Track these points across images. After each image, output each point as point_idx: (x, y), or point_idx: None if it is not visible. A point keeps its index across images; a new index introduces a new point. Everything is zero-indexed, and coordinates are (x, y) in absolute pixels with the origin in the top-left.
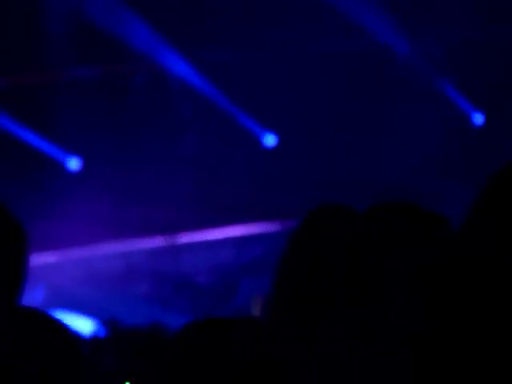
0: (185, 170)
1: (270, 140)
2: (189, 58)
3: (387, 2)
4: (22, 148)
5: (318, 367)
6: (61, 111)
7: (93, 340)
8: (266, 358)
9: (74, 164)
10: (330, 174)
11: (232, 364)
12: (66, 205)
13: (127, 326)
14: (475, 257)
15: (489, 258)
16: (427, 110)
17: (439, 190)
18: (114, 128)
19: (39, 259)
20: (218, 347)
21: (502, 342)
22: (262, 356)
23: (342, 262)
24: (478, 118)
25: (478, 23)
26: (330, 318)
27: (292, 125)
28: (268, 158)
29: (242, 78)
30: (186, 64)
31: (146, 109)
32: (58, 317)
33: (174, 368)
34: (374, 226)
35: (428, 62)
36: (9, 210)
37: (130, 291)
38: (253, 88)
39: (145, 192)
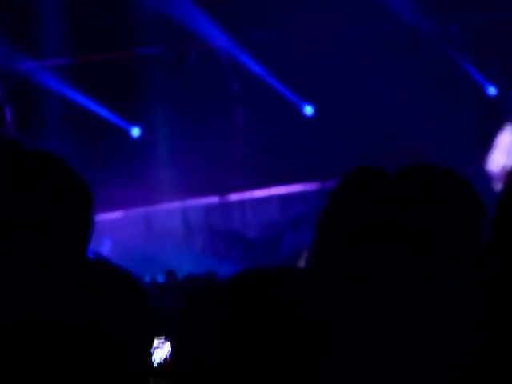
0: (235, 137)
1: (308, 110)
2: (236, 38)
3: None
4: (92, 120)
5: (367, 326)
6: (128, 87)
7: (153, 286)
8: (311, 313)
9: (137, 133)
10: (361, 140)
11: (278, 313)
12: (131, 169)
13: (183, 276)
14: None
15: None
16: (449, 85)
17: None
18: (173, 102)
19: (106, 215)
20: (265, 298)
21: None
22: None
23: (381, 215)
24: (492, 90)
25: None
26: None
27: (327, 97)
28: (307, 127)
29: (283, 55)
30: (234, 44)
31: (200, 84)
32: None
33: (225, 313)
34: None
35: (449, 41)
36: (79, 174)
37: (186, 245)
38: (292, 64)
39: (200, 157)
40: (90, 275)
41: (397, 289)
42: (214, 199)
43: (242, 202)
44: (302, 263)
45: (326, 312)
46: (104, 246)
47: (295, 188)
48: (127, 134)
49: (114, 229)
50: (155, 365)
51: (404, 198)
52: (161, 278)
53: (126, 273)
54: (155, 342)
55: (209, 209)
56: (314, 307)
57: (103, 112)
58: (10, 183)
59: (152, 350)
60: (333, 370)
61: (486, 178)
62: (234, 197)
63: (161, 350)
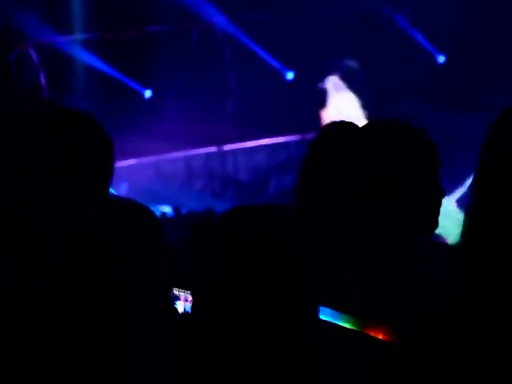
0: (229, 98)
1: (289, 75)
2: (230, 17)
3: None
4: (112, 85)
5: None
6: (142, 57)
7: (162, 219)
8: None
9: (148, 94)
10: None
11: (269, 246)
12: (144, 125)
13: (187, 211)
14: None
15: None
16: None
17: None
18: (178, 69)
19: (123, 163)
20: (253, 228)
21: None
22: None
23: (349, 162)
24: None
25: None
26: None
27: (305, 64)
28: (289, 89)
29: (269, 31)
30: (228, 21)
31: (200, 54)
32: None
33: (219, 240)
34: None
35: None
36: (102, 127)
37: (189, 187)
38: (277, 38)
39: (200, 114)
40: (115, 208)
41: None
42: (212, 149)
43: (235, 151)
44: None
45: (304, 247)
46: (121, 188)
47: (280, 139)
48: (140, 95)
49: (130, 174)
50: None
51: (369, 147)
52: (169, 213)
53: (144, 206)
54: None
55: (208, 157)
56: (292, 240)
57: (121, 78)
58: (53, 135)
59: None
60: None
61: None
62: (229, 147)
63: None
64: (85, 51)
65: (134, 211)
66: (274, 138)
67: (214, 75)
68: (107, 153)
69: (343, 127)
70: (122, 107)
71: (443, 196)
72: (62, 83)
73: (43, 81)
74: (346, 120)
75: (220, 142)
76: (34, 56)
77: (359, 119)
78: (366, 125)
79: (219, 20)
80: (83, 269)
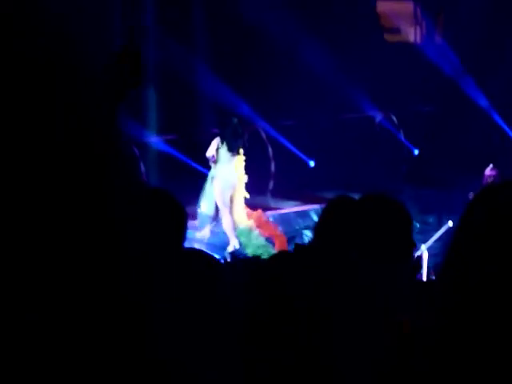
0: (271, 179)
1: (311, 163)
2: (272, 124)
3: None
4: (181, 167)
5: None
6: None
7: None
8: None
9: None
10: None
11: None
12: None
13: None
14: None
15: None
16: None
17: None
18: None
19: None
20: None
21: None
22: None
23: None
24: (416, 151)
25: None
26: None
27: (324, 154)
28: (310, 173)
29: (298, 133)
30: (270, 127)
31: (250, 151)
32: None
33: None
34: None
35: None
36: (174, 197)
37: None
38: (304, 137)
39: (252, 190)
40: (187, 256)
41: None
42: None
43: (273, 215)
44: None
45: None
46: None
47: (304, 207)
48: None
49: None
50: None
51: (363, 215)
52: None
53: (208, 254)
54: None
55: None
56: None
57: (187, 161)
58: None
59: None
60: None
61: None
62: (269, 213)
63: None
64: (169, 147)
65: (200, 259)
66: (301, 207)
67: (260, 164)
68: (181, 216)
69: (345, 200)
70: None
71: (415, 247)
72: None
73: (143, 169)
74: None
75: (264, 210)
76: (136, 150)
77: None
78: (361, 198)
79: (263, 125)
80: None
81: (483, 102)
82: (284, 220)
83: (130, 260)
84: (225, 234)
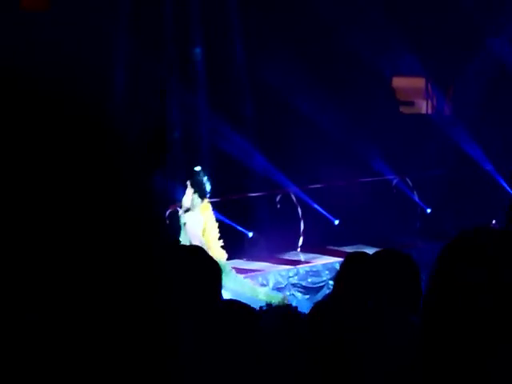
0: (300, 236)
1: (336, 222)
2: (301, 187)
3: None
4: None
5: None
6: (248, 212)
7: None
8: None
9: (250, 235)
10: None
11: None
12: (250, 251)
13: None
14: None
15: None
16: None
17: None
18: (269, 219)
19: None
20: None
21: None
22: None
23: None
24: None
25: None
26: None
27: (346, 213)
28: (335, 230)
29: (325, 195)
30: (300, 191)
31: (282, 211)
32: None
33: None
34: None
35: None
36: (207, 253)
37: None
38: (329, 199)
39: (281, 246)
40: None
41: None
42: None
43: (303, 268)
44: None
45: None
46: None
47: (330, 259)
48: (246, 236)
49: None
50: None
51: (377, 268)
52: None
53: (245, 304)
54: None
55: (288, 271)
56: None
57: (233, 225)
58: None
59: None
60: None
61: None
62: (300, 265)
63: None
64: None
65: (238, 309)
66: (327, 260)
67: (292, 225)
68: (216, 270)
69: (359, 255)
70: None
71: (422, 294)
72: None
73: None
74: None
75: (294, 264)
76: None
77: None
78: (374, 253)
79: (293, 189)
80: None
81: (488, 166)
82: (313, 272)
83: (172, 312)
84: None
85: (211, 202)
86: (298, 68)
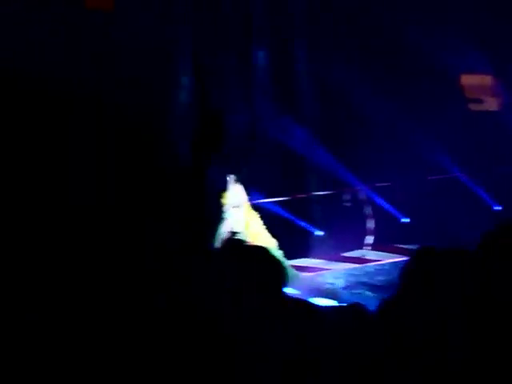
0: (368, 235)
1: (404, 220)
2: (369, 186)
3: None
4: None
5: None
6: (314, 211)
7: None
8: None
9: (317, 233)
10: None
11: None
12: (318, 252)
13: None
14: None
15: None
16: None
17: None
18: (337, 219)
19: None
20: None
21: None
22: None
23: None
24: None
25: None
26: None
27: (418, 211)
28: (401, 228)
29: (394, 193)
30: (368, 189)
31: (350, 209)
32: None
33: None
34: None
35: None
36: (270, 252)
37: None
38: (399, 198)
39: (347, 244)
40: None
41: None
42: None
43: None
44: None
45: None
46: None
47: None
48: (312, 233)
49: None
50: None
51: (438, 269)
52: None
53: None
54: None
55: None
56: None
57: (299, 222)
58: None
59: None
60: None
61: None
62: (366, 264)
63: None
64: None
65: (303, 306)
66: (397, 258)
67: (360, 223)
68: (280, 271)
69: (429, 250)
70: (301, 242)
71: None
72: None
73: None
74: None
75: (362, 263)
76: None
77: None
78: (443, 249)
79: (362, 187)
80: None
81: None
82: (383, 270)
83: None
84: None
85: (280, 201)
86: (363, 66)
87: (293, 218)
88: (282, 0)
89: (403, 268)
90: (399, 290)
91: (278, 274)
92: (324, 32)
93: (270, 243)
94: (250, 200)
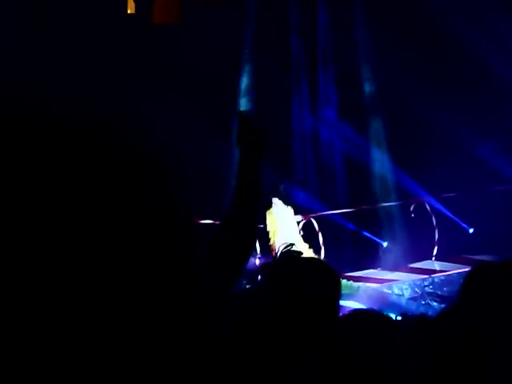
0: (435, 245)
1: (470, 230)
2: (435, 197)
3: None
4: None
5: None
6: (380, 223)
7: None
8: None
9: (385, 244)
10: None
11: None
12: (380, 263)
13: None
14: None
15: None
16: None
17: None
18: (403, 230)
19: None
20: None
21: None
22: None
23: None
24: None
25: None
26: None
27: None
28: (468, 236)
29: (460, 204)
30: (434, 200)
31: (415, 220)
32: None
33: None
34: None
35: None
36: (326, 264)
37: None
38: (464, 208)
39: (415, 256)
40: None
41: None
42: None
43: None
44: None
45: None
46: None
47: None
48: (381, 246)
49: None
50: None
51: (497, 284)
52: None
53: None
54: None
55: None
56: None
57: (367, 235)
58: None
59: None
60: None
61: None
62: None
63: None
64: (346, 219)
65: (375, 319)
66: (462, 269)
67: (427, 234)
68: (336, 284)
69: (488, 265)
70: (367, 253)
71: None
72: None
73: (321, 243)
74: None
75: (429, 273)
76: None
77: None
78: (505, 262)
79: (427, 198)
80: None
81: None
82: (449, 281)
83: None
84: None
85: (346, 213)
86: (426, 75)
87: (359, 229)
88: (345, 17)
89: (463, 280)
90: (456, 302)
91: (335, 287)
92: (386, 38)
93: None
94: (304, 211)
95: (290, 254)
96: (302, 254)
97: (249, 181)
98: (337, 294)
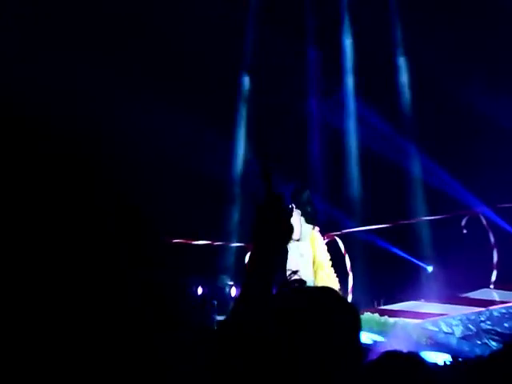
0: (494, 270)
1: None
2: (492, 208)
3: None
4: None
5: None
6: (421, 239)
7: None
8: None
9: (430, 269)
10: None
11: None
12: (426, 291)
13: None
14: None
15: None
16: None
17: None
18: (453, 248)
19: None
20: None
21: None
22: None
23: None
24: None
25: None
26: None
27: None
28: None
29: None
30: (491, 211)
31: (469, 237)
32: None
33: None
34: None
35: None
36: (341, 296)
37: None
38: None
39: (465, 285)
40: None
41: None
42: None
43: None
44: None
45: None
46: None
47: None
48: (424, 270)
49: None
50: None
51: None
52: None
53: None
54: None
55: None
56: None
57: (406, 256)
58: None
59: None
60: None
61: None
62: (494, 308)
63: None
64: (379, 238)
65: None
66: None
67: (482, 253)
68: (355, 318)
69: None
70: (407, 280)
71: None
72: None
73: (349, 268)
74: None
75: (486, 305)
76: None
77: None
78: None
79: (482, 209)
80: None
81: None
82: (511, 314)
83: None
84: None
85: (379, 229)
86: (476, 74)
87: (395, 249)
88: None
89: None
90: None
91: (350, 321)
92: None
93: (333, 283)
94: (326, 228)
95: (291, 287)
96: (305, 283)
97: (258, 289)
98: (354, 336)
